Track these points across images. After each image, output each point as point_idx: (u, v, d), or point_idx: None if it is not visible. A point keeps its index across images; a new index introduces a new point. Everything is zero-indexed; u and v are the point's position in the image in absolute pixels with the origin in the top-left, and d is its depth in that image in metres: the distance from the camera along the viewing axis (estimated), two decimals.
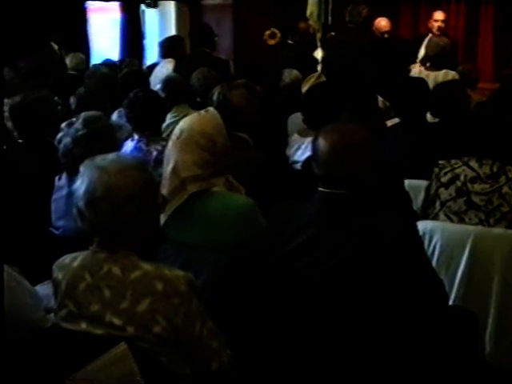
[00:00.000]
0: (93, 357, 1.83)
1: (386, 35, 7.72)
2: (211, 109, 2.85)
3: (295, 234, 2.39)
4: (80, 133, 3.15)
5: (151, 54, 9.82)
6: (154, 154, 3.90)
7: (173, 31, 9.93)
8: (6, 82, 5.91)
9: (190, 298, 2.02)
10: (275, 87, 5.86)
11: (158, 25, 10.48)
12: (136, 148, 3.97)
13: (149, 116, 4.06)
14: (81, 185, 2.04)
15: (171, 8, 10.25)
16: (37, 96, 4.06)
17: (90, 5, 10.34)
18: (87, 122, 3.19)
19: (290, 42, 7.12)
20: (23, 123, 3.93)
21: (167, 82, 5.15)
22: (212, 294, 2.35)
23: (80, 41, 9.91)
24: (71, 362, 1.83)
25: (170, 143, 2.75)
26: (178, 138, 2.71)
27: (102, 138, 3.16)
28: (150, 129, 4.06)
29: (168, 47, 7.20)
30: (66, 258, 2.16)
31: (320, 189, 2.40)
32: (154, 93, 4.44)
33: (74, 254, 2.15)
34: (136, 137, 4.03)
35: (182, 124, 2.78)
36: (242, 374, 2.23)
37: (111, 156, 2.12)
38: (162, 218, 2.62)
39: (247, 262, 2.50)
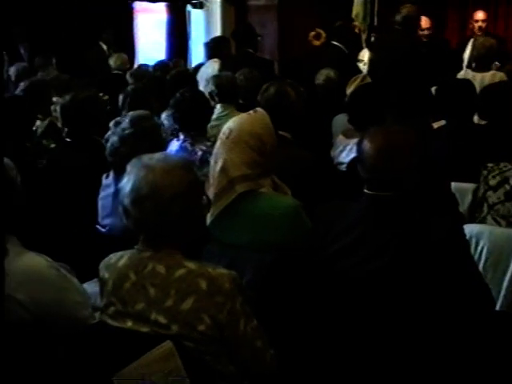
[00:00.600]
0: (139, 354, 1.85)
1: (425, 32, 7.67)
2: (260, 109, 2.83)
3: (341, 235, 2.39)
4: (127, 132, 3.18)
5: (196, 54, 9.88)
6: (199, 153, 3.92)
7: (218, 32, 9.98)
8: (55, 80, 6.00)
9: (234, 296, 2.02)
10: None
11: (204, 25, 10.53)
12: (181, 148, 4.00)
13: (194, 116, 4.08)
14: (127, 183, 2.06)
15: (217, 9, 10.29)
16: (86, 95, 4.13)
17: (136, 5, 10.46)
18: (134, 122, 3.22)
19: (334, 42, 7.09)
20: (73, 121, 3.99)
21: (217, 77, 5.15)
22: (257, 293, 2.36)
23: (126, 41, 10.04)
24: (117, 360, 1.85)
25: (219, 142, 2.74)
26: (227, 138, 2.69)
27: (149, 137, 3.19)
28: (196, 129, 4.07)
29: (214, 48, 7.26)
30: (112, 258, 2.18)
31: (365, 191, 2.40)
32: (201, 93, 4.46)
33: (120, 253, 2.17)
34: (181, 137, 4.06)
35: (231, 123, 2.77)
36: (286, 374, 2.23)
37: (158, 155, 2.13)
38: (208, 219, 2.64)
39: (292, 261, 2.50)
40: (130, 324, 2.05)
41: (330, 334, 2.34)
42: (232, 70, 5.62)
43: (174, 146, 4.04)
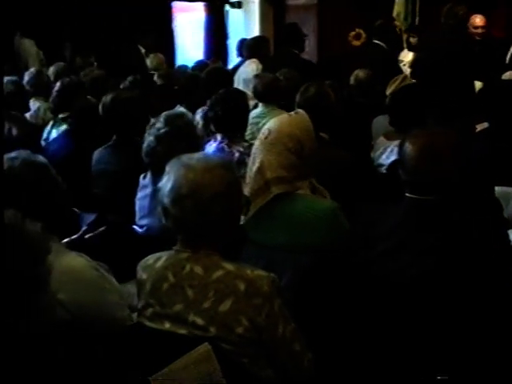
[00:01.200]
0: (176, 356, 1.85)
1: (479, 30, 7.54)
2: (301, 111, 2.81)
3: (381, 239, 2.37)
4: (162, 131, 3.17)
5: (235, 54, 9.88)
6: (236, 155, 3.90)
7: (256, 31, 9.98)
8: (95, 80, 6.05)
9: (273, 298, 2.01)
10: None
11: (243, 25, 10.55)
12: (218, 149, 3.99)
13: (232, 117, 4.05)
14: (166, 182, 2.06)
15: (255, 8, 10.29)
16: (128, 95, 4.15)
17: (175, 5, 10.52)
18: (168, 120, 3.22)
19: (375, 41, 7.04)
20: (113, 122, 4.01)
21: (259, 77, 5.14)
22: (294, 295, 2.34)
23: (165, 41, 10.10)
24: (155, 361, 1.85)
25: (258, 142, 2.74)
26: (265, 138, 2.69)
27: (184, 136, 3.18)
28: (233, 130, 4.05)
29: (252, 48, 7.24)
30: (150, 259, 2.18)
31: (407, 194, 2.37)
32: (240, 94, 4.40)
33: (158, 254, 2.17)
34: (219, 137, 4.05)
35: (270, 124, 2.76)
36: (323, 378, 2.21)
37: (198, 155, 2.14)
38: (243, 219, 2.62)
39: (331, 263, 2.48)
40: (167, 325, 2.05)
41: (368, 338, 2.31)
42: (272, 70, 5.60)
43: (211, 147, 4.03)
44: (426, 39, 7.65)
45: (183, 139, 3.15)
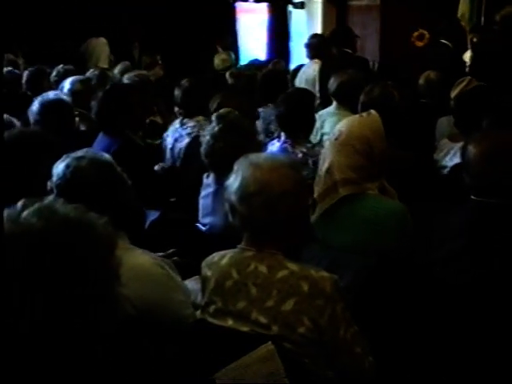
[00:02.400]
0: (239, 354, 1.87)
1: None
2: (373, 112, 2.81)
3: (445, 241, 2.35)
4: (216, 128, 3.26)
5: (297, 54, 9.88)
6: (299, 155, 3.90)
7: (319, 32, 9.94)
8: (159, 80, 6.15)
9: (336, 300, 2.01)
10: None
11: (305, 26, 10.52)
12: (281, 149, 4.00)
13: (297, 117, 4.05)
14: (234, 180, 2.08)
15: (318, 9, 10.25)
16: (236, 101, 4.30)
17: (239, 6, 10.58)
18: (220, 117, 3.31)
19: (442, 40, 6.94)
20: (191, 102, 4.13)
21: (337, 77, 5.07)
22: (356, 296, 2.34)
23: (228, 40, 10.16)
24: (218, 358, 1.87)
25: (328, 143, 2.77)
26: (336, 139, 2.70)
27: (238, 129, 3.26)
28: (297, 129, 4.05)
29: (314, 48, 7.23)
30: (215, 256, 2.21)
31: (472, 197, 2.35)
32: (306, 93, 4.40)
33: (223, 252, 2.19)
34: (282, 138, 4.06)
35: (342, 125, 2.78)
36: (383, 380, 2.20)
37: (265, 154, 2.20)
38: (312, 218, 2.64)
39: (393, 266, 2.46)
40: (230, 322, 2.07)
41: (430, 341, 2.29)
42: (333, 70, 5.58)
43: (275, 146, 4.05)
44: (480, 40, 7.50)
45: (237, 133, 3.23)
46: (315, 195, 2.64)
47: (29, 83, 5.68)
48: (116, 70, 6.91)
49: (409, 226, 2.64)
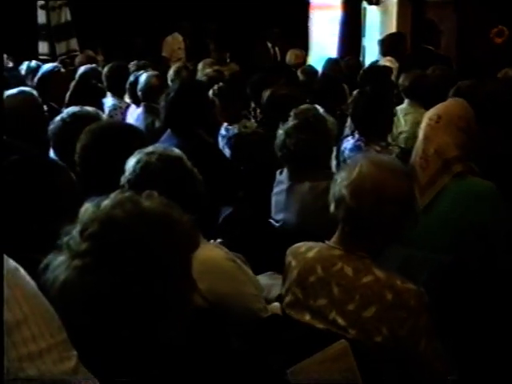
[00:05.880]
0: (312, 349, 1.85)
1: None
2: (457, 98, 2.98)
3: None
4: (290, 124, 3.24)
5: (370, 51, 9.77)
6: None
7: (393, 29, 9.80)
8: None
9: (419, 314, 1.97)
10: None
11: (379, 22, 10.39)
12: (355, 146, 3.97)
13: (371, 116, 3.99)
14: (349, 174, 2.06)
15: (393, 5, 10.11)
16: (285, 92, 4.29)
17: (312, 2, 10.55)
18: (298, 114, 3.29)
19: None
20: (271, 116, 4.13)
21: (406, 73, 5.09)
22: (431, 297, 2.28)
23: (301, 37, 10.16)
24: (292, 353, 1.86)
25: (428, 128, 2.82)
26: (436, 122, 2.80)
27: (312, 127, 3.23)
28: (372, 128, 4.01)
29: (388, 44, 7.13)
30: (302, 247, 2.20)
31: None
32: (381, 92, 4.32)
33: (310, 244, 2.19)
34: (356, 135, 4.02)
35: (436, 110, 2.89)
36: None
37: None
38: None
39: (471, 265, 2.41)
40: (307, 318, 2.07)
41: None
42: (409, 67, 5.48)
43: (349, 143, 4.03)
44: None
45: (311, 131, 3.20)
46: (423, 181, 2.73)
47: (110, 79, 5.80)
48: (199, 67, 6.98)
49: (500, 203, 2.72)
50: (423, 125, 2.86)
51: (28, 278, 1.23)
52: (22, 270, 1.29)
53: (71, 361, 1.21)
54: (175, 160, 2.32)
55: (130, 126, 3.34)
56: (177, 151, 2.38)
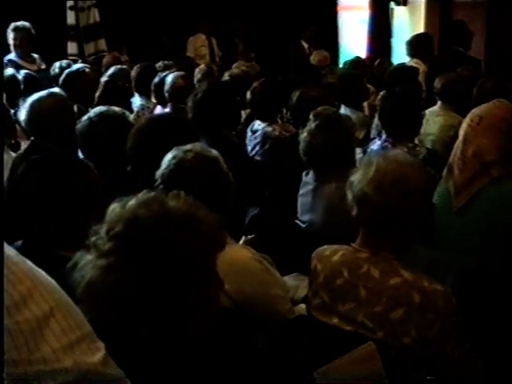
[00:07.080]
0: (339, 351, 1.84)
1: None
2: (501, 99, 2.92)
3: None
4: (313, 125, 3.25)
5: (398, 52, 9.71)
6: None
7: (421, 29, 9.72)
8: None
9: (447, 315, 1.96)
10: None
11: (407, 23, 10.33)
12: (382, 148, 3.93)
13: (399, 116, 3.95)
14: (365, 173, 2.07)
15: (421, 5, 10.03)
16: (315, 94, 4.32)
17: (340, 2, 10.52)
18: (317, 114, 3.31)
19: None
20: (300, 117, 4.13)
21: (442, 77, 4.98)
22: (457, 299, 2.26)
23: (329, 38, 10.13)
24: (318, 354, 1.85)
25: (469, 129, 2.80)
26: (477, 124, 2.78)
27: (335, 125, 3.25)
28: (399, 129, 3.97)
29: (416, 45, 7.07)
30: (327, 250, 2.19)
31: None
32: (409, 93, 4.26)
33: (335, 247, 2.18)
34: (383, 136, 4.00)
35: (478, 111, 2.86)
36: None
37: (396, 151, 2.40)
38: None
39: (497, 267, 2.38)
40: (335, 321, 2.06)
41: None
42: (438, 69, 5.43)
43: (376, 145, 4.00)
44: None
45: (335, 129, 3.22)
46: (459, 182, 2.72)
47: (137, 79, 5.83)
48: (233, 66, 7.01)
49: None
50: (464, 125, 2.84)
51: (44, 272, 1.24)
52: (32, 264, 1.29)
53: (100, 352, 1.22)
54: (211, 160, 2.32)
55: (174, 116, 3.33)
56: (214, 152, 2.37)
